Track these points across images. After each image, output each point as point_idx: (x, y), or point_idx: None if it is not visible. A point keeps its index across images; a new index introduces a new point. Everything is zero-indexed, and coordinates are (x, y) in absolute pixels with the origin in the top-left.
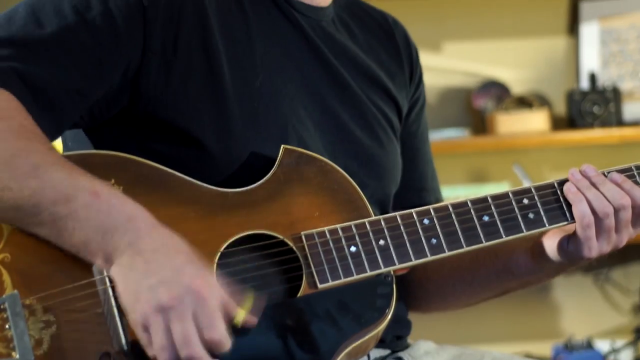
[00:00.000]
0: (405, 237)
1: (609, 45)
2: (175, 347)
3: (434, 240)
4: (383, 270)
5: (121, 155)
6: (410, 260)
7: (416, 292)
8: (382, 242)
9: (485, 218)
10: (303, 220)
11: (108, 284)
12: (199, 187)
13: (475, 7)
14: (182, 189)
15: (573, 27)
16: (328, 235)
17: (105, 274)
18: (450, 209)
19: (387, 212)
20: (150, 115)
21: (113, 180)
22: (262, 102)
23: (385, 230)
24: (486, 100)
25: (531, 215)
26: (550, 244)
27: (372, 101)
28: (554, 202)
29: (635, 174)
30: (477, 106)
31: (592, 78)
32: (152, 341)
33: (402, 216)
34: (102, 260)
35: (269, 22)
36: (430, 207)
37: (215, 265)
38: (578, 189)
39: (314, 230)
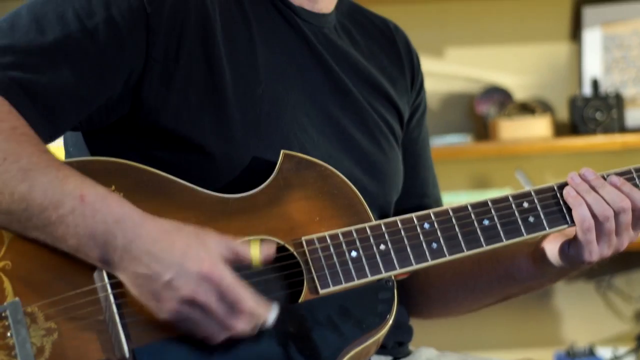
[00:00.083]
0: (406, 242)
1: (611, 51)
2: (223, 322)
3: (434, 245)
4: (384, 275)
5: (122, 161)
6: (411, 265)
7: (417, 298)
8: (382, 246)
9: (486, 222)
10: (303, 225)
11: (109, 291)
12: (200, 193)
13: (478, 12)
14: (182, 195)
15: (576, 33)
16: (329, 240)
17: (106, 280)
18: (451, 213)
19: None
20: (152, 122)
21: (113, 187)
22: (264, 109)
23: (386, 235)
24: (489, 106)
25: (531, 219)
26: (552, 249)
27: (374, 108)
28: (554, 206)
29: (634, 176)
30: (480, 112)
31: (595, 84)
32: (200, 329)
33: (402, 221)
34: (100, 263)
35: (271, 28)
36: (431, 211)
37: None
38: (578, 192)
39: (314, 236)
